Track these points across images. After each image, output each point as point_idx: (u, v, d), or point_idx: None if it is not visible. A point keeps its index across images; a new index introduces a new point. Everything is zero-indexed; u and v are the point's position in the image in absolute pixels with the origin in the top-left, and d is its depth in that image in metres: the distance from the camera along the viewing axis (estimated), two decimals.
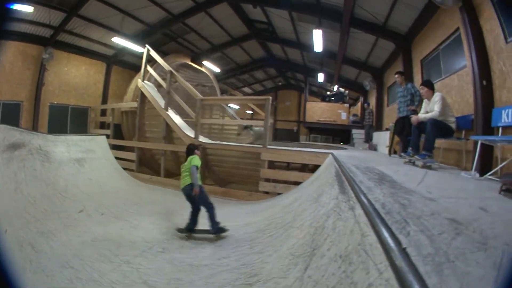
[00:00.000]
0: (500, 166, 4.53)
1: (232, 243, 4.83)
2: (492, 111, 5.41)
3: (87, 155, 9.42)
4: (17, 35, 11.85)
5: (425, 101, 6.17)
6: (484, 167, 5.01)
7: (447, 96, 7.03)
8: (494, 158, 5.18)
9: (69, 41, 13.62)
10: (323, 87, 25.04)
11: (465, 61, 6.70)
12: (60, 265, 4.11)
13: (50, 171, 7.69)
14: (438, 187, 3.52)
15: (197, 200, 5.57)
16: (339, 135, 21.54)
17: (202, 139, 10.17)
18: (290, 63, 21.62)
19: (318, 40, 12.11)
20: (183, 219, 6.41)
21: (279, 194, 8.05)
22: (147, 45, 12.28)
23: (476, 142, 5.14)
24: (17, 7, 9.67)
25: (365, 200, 2.47)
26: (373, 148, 12.11)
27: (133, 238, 5.25)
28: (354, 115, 20.37)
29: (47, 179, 7.41)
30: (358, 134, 16.70)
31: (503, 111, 5.02)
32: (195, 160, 5.75)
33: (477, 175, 4.65)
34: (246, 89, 28.07)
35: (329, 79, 19.61)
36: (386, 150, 9.20)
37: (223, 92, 21.17)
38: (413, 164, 5.85)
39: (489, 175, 4.51)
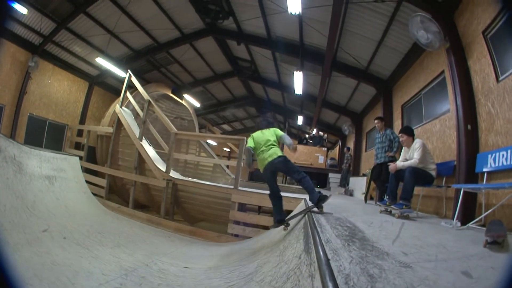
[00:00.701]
0: (484, 214, 4.31)
1: None
2: (477, 157, 5.26)
3: (58, 174, 9.03)
4: (10, 35, 11.55)
5: (404, 148, 5.99)
6: (467, 214, 4.79)
7: (427, 142, 6.99)
8: (478, 204, 4.98)
9: (56, 53, 13.35)
10: (302, 129, 25.21)
11: (449, 106, 6.65)
12: (22, 281, 3.82)
13: (21, 183, 7.40)
14: (416, 245, 3.09)
15: (291, 170, 5.27)
16: (316, 178, 21.31)
17: (174, 173, 9.83)
18: (270, 104, 21.75)
19: (299, 82, 12.19)
20: (146, 254, 6.06)
21: (249, 237, 7.65)
22: (129, 71, 12.18)
23: (458, 190, 4.93)
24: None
25: (326, 271, 2.04)
26: (349, 193, 11.94)
27: (91, 268, 4.86)
28: (332, 158, 20.46)
29: (17, 191, 7.11)
30: (334, 178, 16.63)
31: (489, 156, 4.86)
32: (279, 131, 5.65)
33: (459, 224, 4.40)
34: (225, 126, 27.99)
35: (308, 121, 19.79)
36: (362, 197, 9.01)
37: (202, 127, 21.01)
38: (390, 213, 5.55)
39: (472, 223, 4.27)
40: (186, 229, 8.80)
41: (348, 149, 15.52)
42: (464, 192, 4.71)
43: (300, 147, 21.43)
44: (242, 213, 8.36)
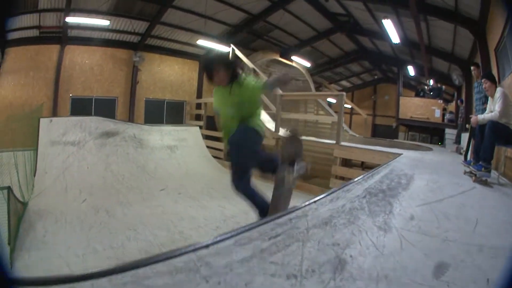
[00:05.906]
0: None
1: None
2: None
3: (179, 143, 10.09)
4: (103, 42, 13.41)
5: (489, 98, 5.06)
6: None
7: None
8: None
9: (159, 44, 14.90)
10: (419, 81, 23.39)
11: None
12: (125, 227, 4.89)
13: (142, 155, 8.59)
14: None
15: None
16: (437, 134, 19.69)
17: (282, 132, 10.35)
18: (381, 55, 20.36)
19: (391, 30, 11.54)
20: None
21: None
22: (232, 44, 13.06)
23: None
24: (93, 21, 11.06)
25: None
26: (459, 151, 10.74)
27: (196, 215, 5.78)
28: (451, 112, 18.51)
29: (138, 162, 8.31)
30: (451, 134, 14.78)
31: None
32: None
33: None
34: (344, 83, 26.81)
35: (421, 72, 18.36)
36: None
37: (319, 86, 21.12)
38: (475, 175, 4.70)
39: None
40: None
41: (462, 101, 13.85)
42: None
43: (416, 100, 20.02)
44: (345, 168, 8.42)
